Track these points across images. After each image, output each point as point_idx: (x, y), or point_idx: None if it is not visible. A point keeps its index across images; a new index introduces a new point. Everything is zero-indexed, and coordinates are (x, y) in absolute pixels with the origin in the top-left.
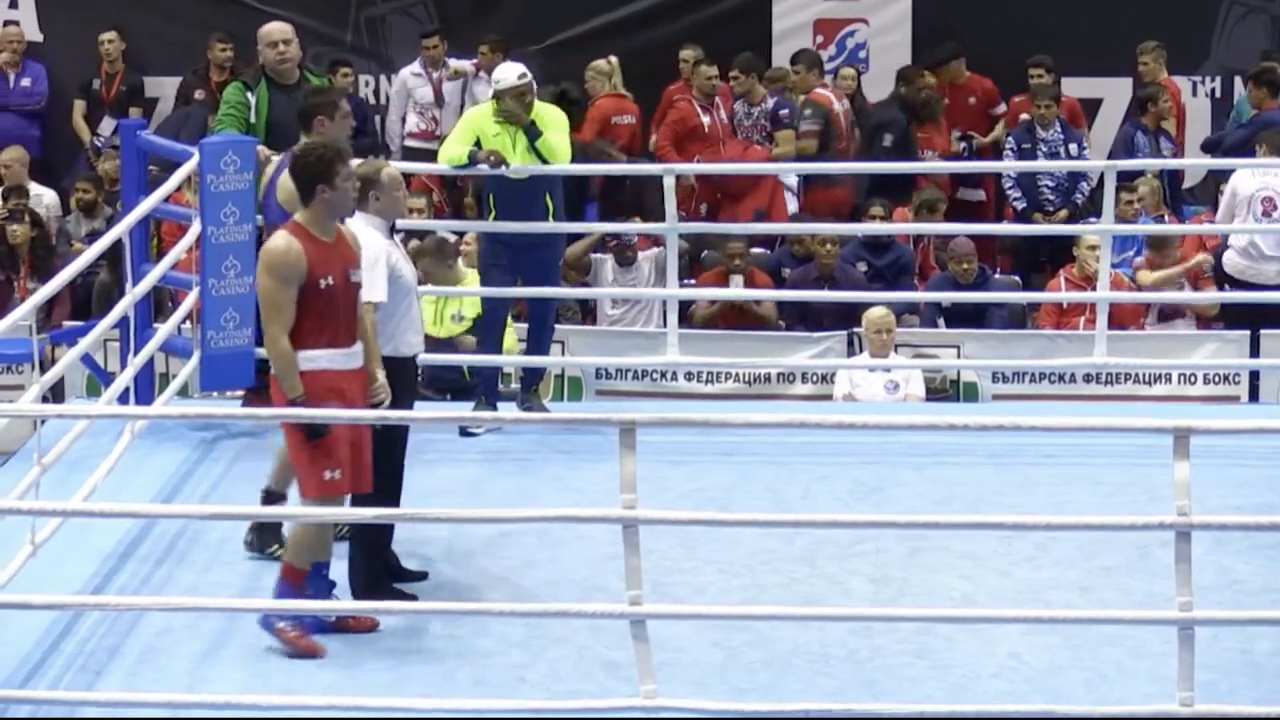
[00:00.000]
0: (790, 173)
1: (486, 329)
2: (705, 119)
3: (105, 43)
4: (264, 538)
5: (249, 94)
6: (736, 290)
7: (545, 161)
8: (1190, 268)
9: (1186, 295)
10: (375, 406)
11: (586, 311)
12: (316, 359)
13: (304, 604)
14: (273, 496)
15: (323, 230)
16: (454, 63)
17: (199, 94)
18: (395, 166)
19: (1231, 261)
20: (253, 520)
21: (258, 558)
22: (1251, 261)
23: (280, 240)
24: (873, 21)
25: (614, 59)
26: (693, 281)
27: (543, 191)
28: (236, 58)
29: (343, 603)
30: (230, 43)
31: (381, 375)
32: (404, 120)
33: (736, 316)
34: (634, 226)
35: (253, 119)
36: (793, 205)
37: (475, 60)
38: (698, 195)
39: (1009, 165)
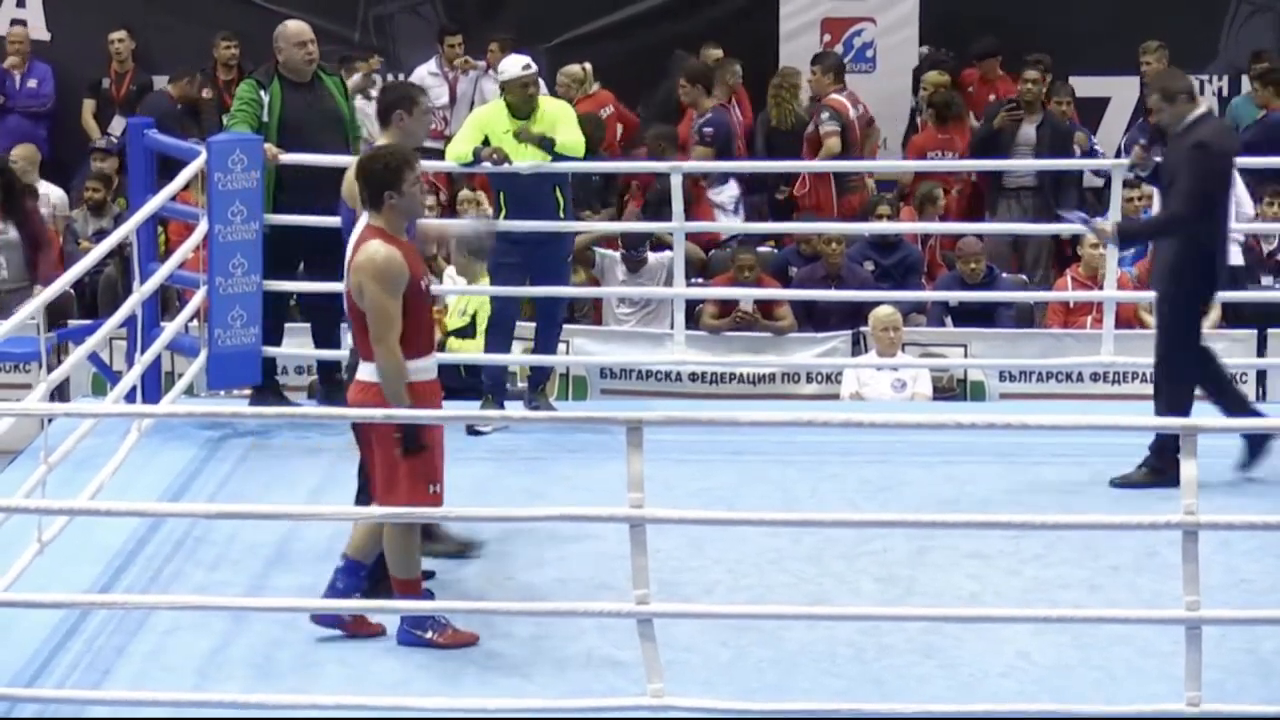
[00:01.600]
0: (723, 191)
1: (495, 328)
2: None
3: (115, 42)
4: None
5: (262, 92)
6: (744, 290)
7: (557, 158)
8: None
9: None
10: None
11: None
12: (429, 368)
13: (312, 603)
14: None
15: (399, 232)
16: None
17: (206, 92)
18: None
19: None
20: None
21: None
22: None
23: (380, 248)
24: (880, 20)
25: (588, 65)
26: (701, 280)
27: (552, 187)
28: (243, 56)
29: (350, 602)
30: (235, 40)
31: None
32: None
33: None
34: (639, 225)
35: (265, 117)
36: (725, 220)
37: (484, 59)
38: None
39: (1022, 164)
